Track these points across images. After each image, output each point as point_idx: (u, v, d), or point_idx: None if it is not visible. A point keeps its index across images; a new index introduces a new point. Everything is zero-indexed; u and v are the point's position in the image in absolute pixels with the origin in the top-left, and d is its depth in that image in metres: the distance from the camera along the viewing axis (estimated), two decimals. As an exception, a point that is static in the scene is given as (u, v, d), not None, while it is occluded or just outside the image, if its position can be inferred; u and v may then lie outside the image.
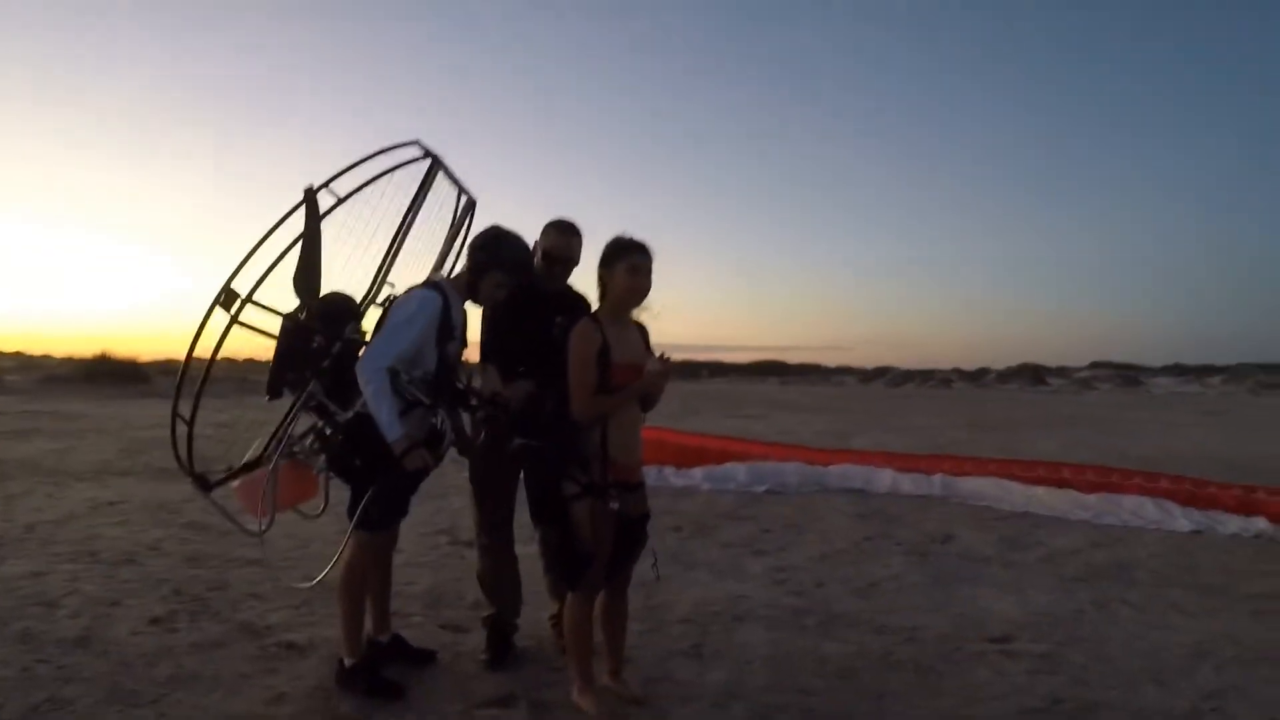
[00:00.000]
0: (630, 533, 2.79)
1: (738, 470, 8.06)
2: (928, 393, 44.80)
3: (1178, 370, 53.57)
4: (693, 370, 72.25)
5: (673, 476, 8.06)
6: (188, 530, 5.54)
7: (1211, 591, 4.52)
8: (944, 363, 63.05)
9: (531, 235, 3.20)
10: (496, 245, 2.99)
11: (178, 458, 2.86)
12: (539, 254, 3.22)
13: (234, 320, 2.74)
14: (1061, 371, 54.03)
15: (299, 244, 2.79)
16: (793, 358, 79.20)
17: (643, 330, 2.93)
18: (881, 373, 63.07)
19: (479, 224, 3.26)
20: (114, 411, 15.47)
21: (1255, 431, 16.70)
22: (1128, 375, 51.45)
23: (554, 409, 2.76)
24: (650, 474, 7.64)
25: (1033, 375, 52.44)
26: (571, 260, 3.24)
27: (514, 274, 3.00)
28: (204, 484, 2.86)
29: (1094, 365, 56.73)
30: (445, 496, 6.21)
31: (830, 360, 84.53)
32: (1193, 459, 10.39)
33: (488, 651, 3.26)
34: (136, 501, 6.59)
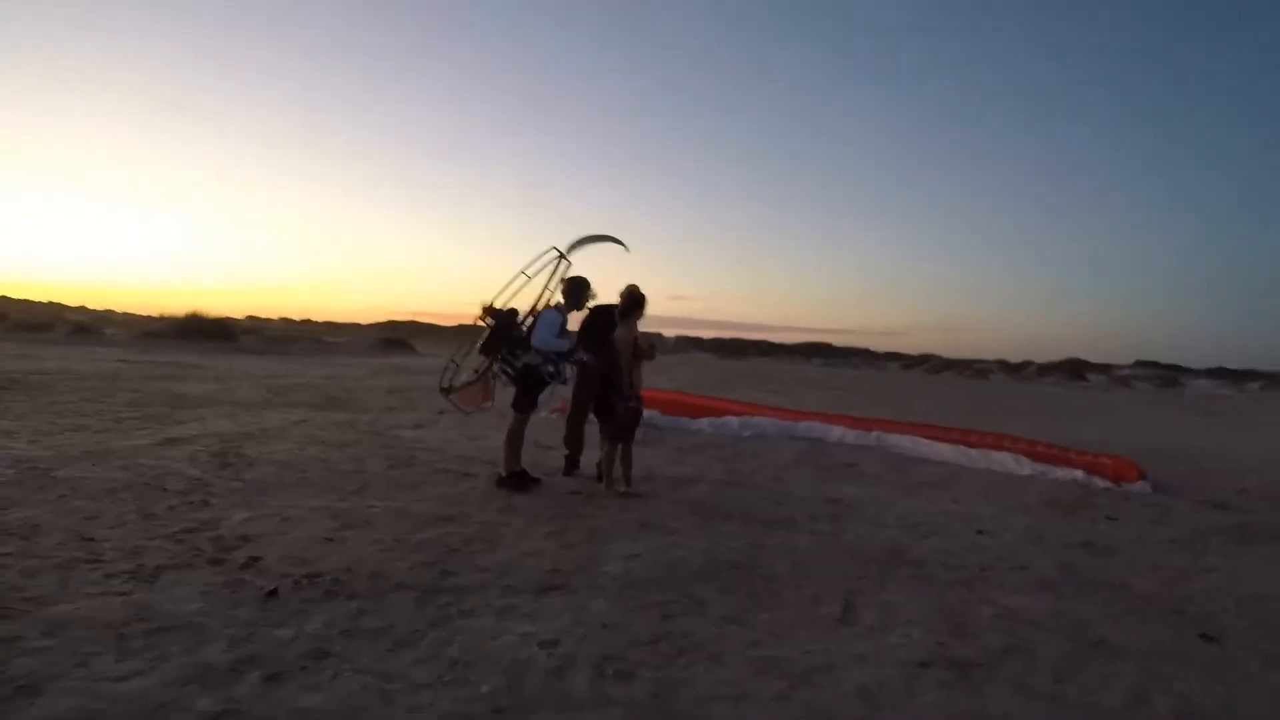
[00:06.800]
0: (637, 416, 6.17)
1: (732, 421, 11.16)
2: (961, 382, 46.17)
3: (1220, 374, 53.76)
4: (739, 348, 73.95)
5: (687, 424, 11.18)
6: (372, 434, 8.70)
7: (988, 499, 7.26)
8: (990, 353, 64.58)
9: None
10: (582, 284, 6.33)
11: (441, 377, 6.22)
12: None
13: (487, 325, 6.13)
14: (1104, 369, 54.52)
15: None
16: (844, 341, 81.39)
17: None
18: (925, 359, 64.42)
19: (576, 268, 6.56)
20: (223, 363, 17.74)
21: (1229, 431, 17.98)
22: (1168, 376, 51.75)
23: (608, 366, 6.10)
24: (672, 421, 10.91)
25: (1073, 370, 53.18)
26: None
27: (589, 297, 6.38)
28: (447, 392, 6.21)
29: (1138, 364, 57.15)
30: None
31: (881, 345, 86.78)
32: (1127, 446, 11.64)
33: (565, 469, 6.87)
34: (320, 421, 9.32)
